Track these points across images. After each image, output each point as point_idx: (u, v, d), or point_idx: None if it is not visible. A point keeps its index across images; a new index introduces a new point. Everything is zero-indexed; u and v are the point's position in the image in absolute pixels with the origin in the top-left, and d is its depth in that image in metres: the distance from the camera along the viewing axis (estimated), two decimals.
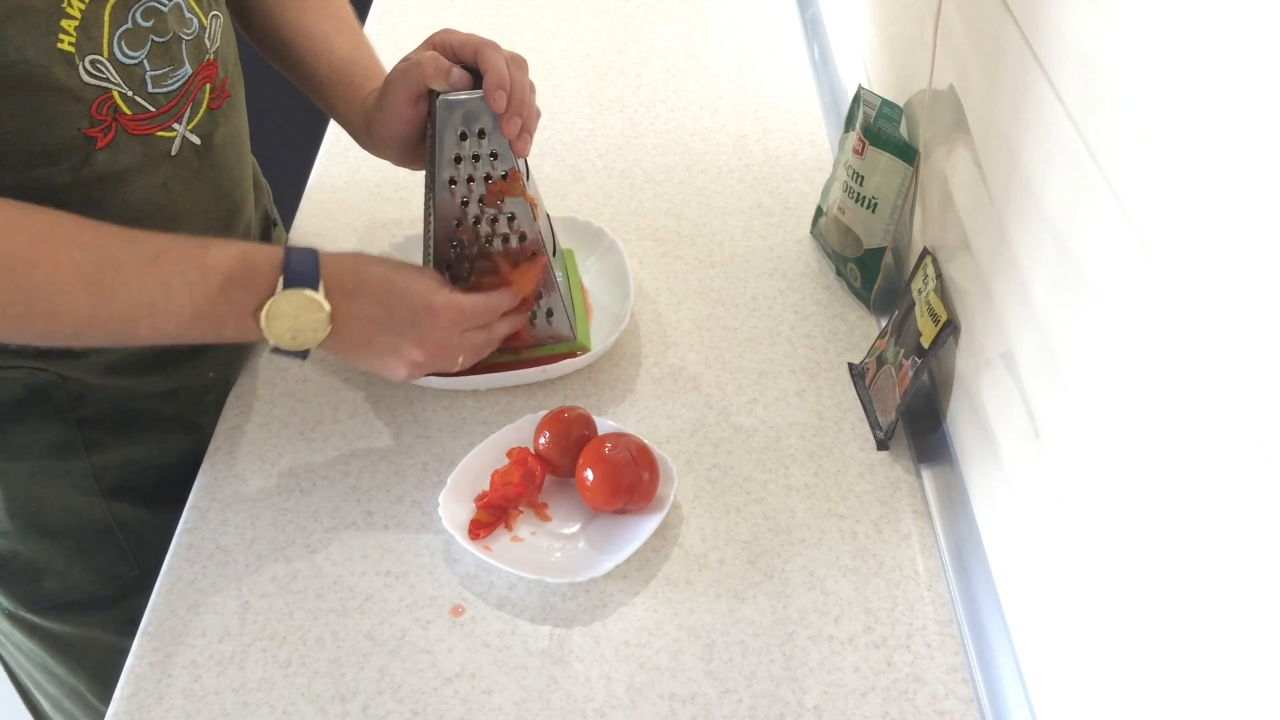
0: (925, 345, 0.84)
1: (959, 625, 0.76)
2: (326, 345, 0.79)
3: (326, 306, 0.77)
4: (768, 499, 0.85)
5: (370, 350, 0.82)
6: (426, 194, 0.89)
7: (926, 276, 0.88)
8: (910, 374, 0.85)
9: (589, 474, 0.81)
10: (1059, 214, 0.62)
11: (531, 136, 0.85)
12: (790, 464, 0.88)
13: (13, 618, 0.96)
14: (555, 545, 0.82)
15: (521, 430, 0.88)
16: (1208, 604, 0.47)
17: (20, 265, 0.68)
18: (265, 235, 1.05)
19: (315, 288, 0.76)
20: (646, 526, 0.81)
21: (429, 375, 0.88)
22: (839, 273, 1.04)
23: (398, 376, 0.84)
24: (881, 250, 0.98)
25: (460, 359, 0.86)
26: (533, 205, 0.88)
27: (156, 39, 0.77)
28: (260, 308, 0.75)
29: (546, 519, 0.84)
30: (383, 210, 1.16)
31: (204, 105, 0.84)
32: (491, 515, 0.82)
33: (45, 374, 0.85)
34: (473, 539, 0.81)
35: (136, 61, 0.76)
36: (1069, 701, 0.63)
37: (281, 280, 0.75)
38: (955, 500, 0.82)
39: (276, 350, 0.78)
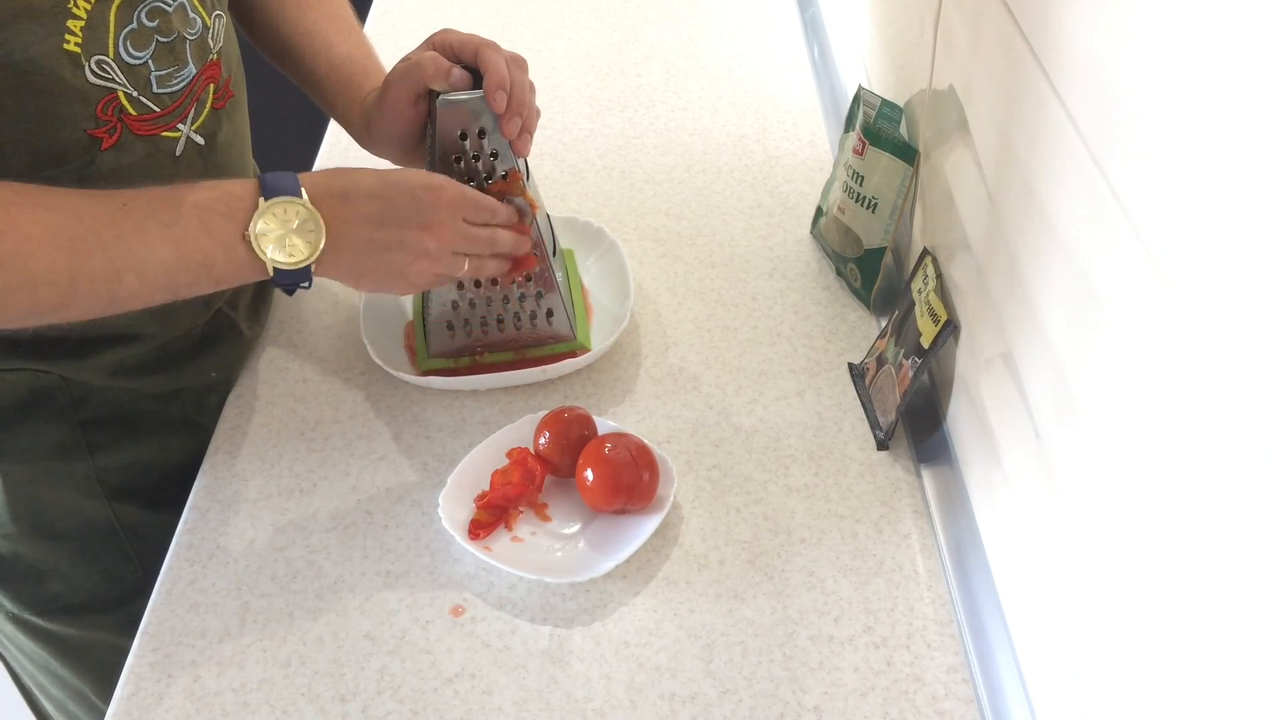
0: (925, 345, 0.84)
1: (959, 625, 0.76)
2: (327, 260, 0.76)
3: (316, 211, 0.74)
4: (768, 499, 0.85)
5: (374, 250, 0.78)
6: None
7: (926, 276, 0.88)
8: (910, 374, 0.85)
9: (589, 474, 0.81)
10: (1059, 214, 0.62)
11: (532, 136, 0.86)
12: (790, 464, 0.88)
13: (16, 620, 0.96)
14: (555, 545, 0.82)
15: (521, 430, 0.88)
16: (1207, 604, 0.47)
17: None
18: None
19: (298, 196, 0.74)
20: (646, 526, 0.81)
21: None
22: (839, 273, 1.04)
23: (409, 279, 0.80)
24: (881, 250, 0.98)
25: (467, 263, 0.82)
26: (532, 205, 0.88)
27: (161, 39, 0.77)
28: (245, 232, 0.72)
29: (546, 519, 0.84)
30: None
31: (208, 105, 0.84)
32: (491, 515, 0.82)
33: (48, 376, 0.85)
34: (473, 539, 0.81)
35: (141, 62, 0.76)
36: (1069, 701, 0.63)
37: (261, 197, 0.73)
38: (955, 500, 0.82)
39: (277, 279, 0.74)
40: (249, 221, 0.72)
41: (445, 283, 0.86)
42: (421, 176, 0.80)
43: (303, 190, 0.74)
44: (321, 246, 0.75)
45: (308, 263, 0.75)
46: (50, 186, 0.69)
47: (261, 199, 0.73)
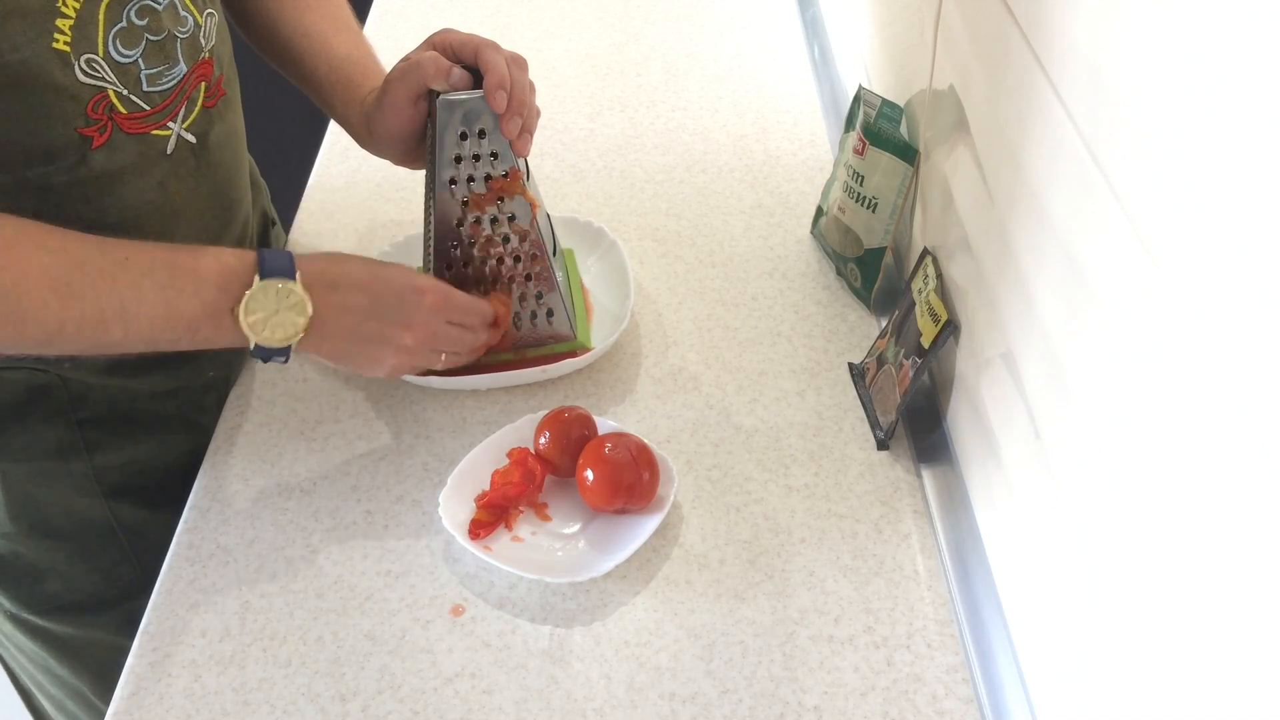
0: (925, 345, 0.84)
1: (959, 625, 0.76)
2: (309, 341, 0.78)
3: (306, 296, 0.76)
4: (768, 499, 0.85)
5: (355, 340, 0.80)
6: (427, 194, 0.89)
7: (926, 276, 0.88)
8: (910, 374, 0.85)
9: (589, 474, 0.81)
10: (1060, 214, 0.62)
11: (532, 136, 0.86)
12: (790, 464, 0.88)
13: (15, 619, 0.96)
14: (555, 545, 0.82)
15: (521, 430, 0.88)
16: (1208, 603, 0.47)
17: None
18: (263, 234, 1.05)
19: (292, 279, 0.76)
20: (646, 526, 0.81)
21: (413, 375, 0.88)
22: (839, 273, 1.04)
23: (384, 368, 0.83)
24: (881, 250, 0.98)
25: (443, 356, 0.86)
26: (533, 205, 0.88)
27: (151, 37, 0.77)
28: (235, 306, 0.74)
29: (546, 519, 0.84)
30: (383, 210, 1.16)
31: (199, 103, 0.84)
32: (491, 515, 0.82)
33: (46, 375, 0.85)
34: (473, 539, 0.81)
35: (131, 60, 0.76)
36: (1069, 701, 0.63)
37: (257, 275, 0.75)
38: (955, 500, 0.82)
39: (258, 353, 0.76)
40: (241, 295, 0.74)
41: (418, 372, 0.89)
42: (409, 277, 0.83)
43: (297, 274, 0.76)
44: (304, 329, 0.77)
45: (288, 343, 0.77)
46: (54, 228, 0.70)
47: (257, 277, 0.74)
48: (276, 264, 0.76)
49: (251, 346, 0.76)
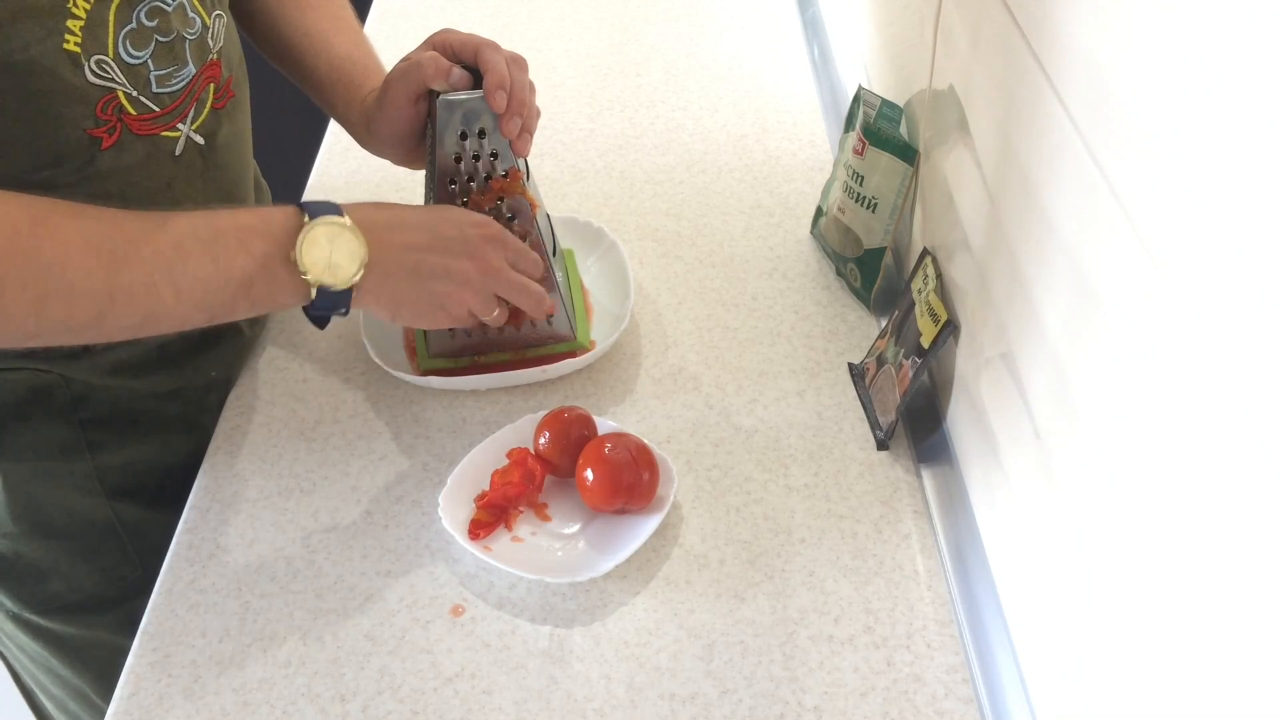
0: (925, 345, 0.84)
1: (959, 625, 0.76)
2: (368, 283, 0.74)
3: (359, 234, 0.73)
4: (768, 499, 0.85)
5: (419, 277, 0.77)
6: (427, 194, 0.89)
7: (926, 276, 0.88)
8: (910, 374, 0.85)
9: (589, 474, 0.81)
10: (1059, 213, 0.62)
11: (532, 136, 0.86)
12: (790, 464, 0.88)
13: (17, 619, 0.96)
14: (555, 545, 0.82)
15: (521, 430, 0.88)
16: (1208, 603, 0.47)
17: (27, 241, 0.64)
18: None
19: (341, 218, 0.73)
20: (646, 526, 0.81)
21: (459, 326, 0.83)
22: (839, 273, 1.04)
23: (450, 309, 0.79)
24: (881, 250, 0.98)
25: (497, 308, 0.82)
26: (533, 205, 0.88)
27: (160, 39, 0.77)
28: (289, 253, 0.71)
29: (546, 519, 0.84)
30: None
31: (208, 105, 0.84)
32: (491, 515, 0.82)
33: (48, 375, 0.85)
34: (473, 539, 0.81)
35: (141, 61, 0.76)
36: (1069, 701, 0.63)
37: (306, 217, 0.72)
38: (955, 500, 0.82)
39: (319, 304, 0.73)
40: (290, 242, 0.71)
41: (473, 323, 0.83)
42: (463, 212, 0.81)
43: (345, 216, 0.73)
44: (365, 266, 0.73)
45: (351, 283, 0.73)
46: (86, 204, 0.68)
47: (306, 218, 0.72)
48: (322, 207, 0.73)
49: (313, 295, 0.72)
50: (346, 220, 0.73)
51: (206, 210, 0.72)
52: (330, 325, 1.01)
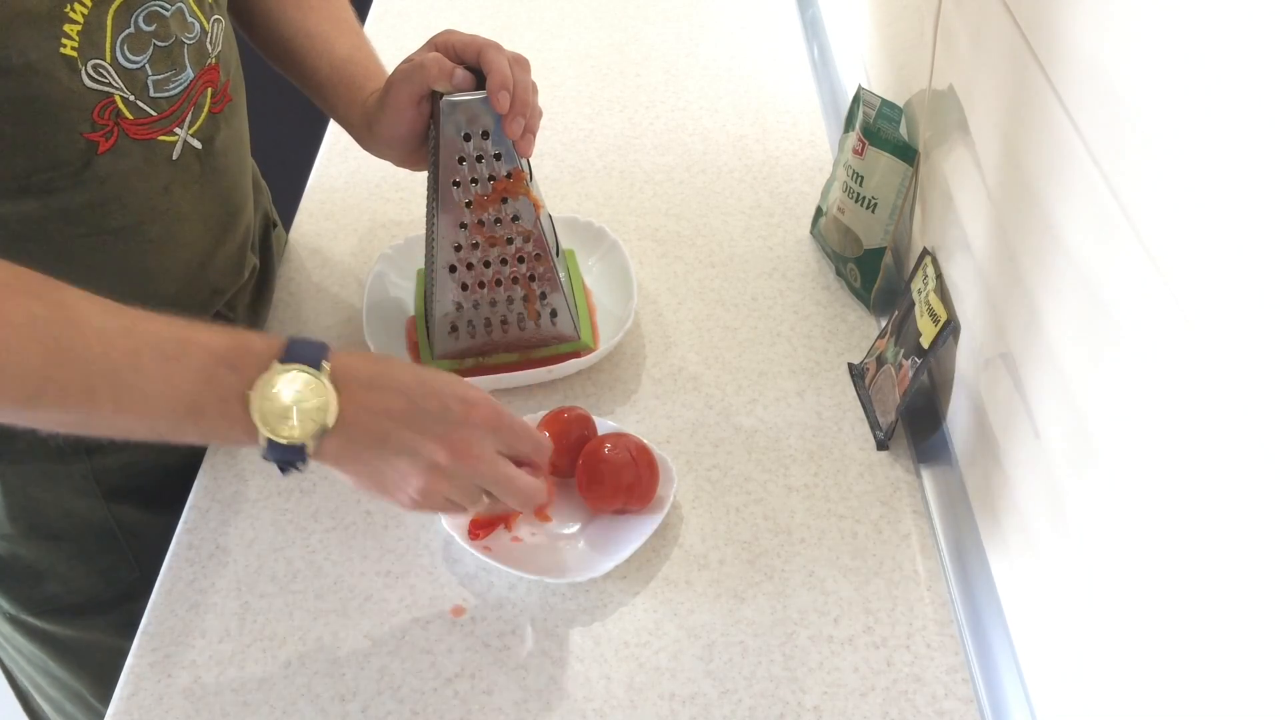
0: (925, 345, 0.84)
1: (959, 625, 0.76)
2: (331, 445, 0.66)
3: (333, 391, 0.65)
4: (768, 499, 0.85)
5: (384, 450, 0.67)
6: (429, 195, 0.89)
7: (926, 276, 0.88)
8: (910, 374, 0.85)
9: (589, 474, 0.81)
10: (1058, 213, 0.62)
11: (535, 136, 0.85)
12: (790, 464, 0.88)
13: (14, 621, 0.96)
14: (555, 545, 0.82)
15: None
16: (1207, 603, 0.47)
17: None
18: (265, 237, 1.05)
19: (318, 368, 0.65)
20: (646, 526, 0.81)
21: (448, 518, 0.79)
22: (839, 273, 1.05)
23: (409, 491, 0.69)
24: (881, 250, 0.98)
25: (483, 499, 0.72)
26: (536, 205, 0.88)
27: (159, 43, 0.77)
28: (247, 390, 0.63)
29: (546, 519, 0.84)
30: (383, 211, 1.16)
31: (205, 109, 0.84)
32: (491, 515, 0.82)
33: None
34: (473, 539, 0.81)
35: (138, 66, 0.76)
36: (1069, 701, 0.63)
37: (278, 361, 0.64)
38: (955, 500, 0.82)
39: (270, 453, 0.65)
40: (254, 379, 0.64)
41: (455, 512, 0.74)
42: (459, 386, 0.70)
43: (326, 364, 0.66)
44: (332, 424, 0.65)
45: (307, 439, 0.65)
46: (61, 283, 0.62)
47: (277, 362, 0.64)
48: (304, 351, 0.65)
49: (262, 443, 0.65)
50: (322, 375, 0.65)
51: (186, 322, 0.65)
52: (330, 326, 1.02)
